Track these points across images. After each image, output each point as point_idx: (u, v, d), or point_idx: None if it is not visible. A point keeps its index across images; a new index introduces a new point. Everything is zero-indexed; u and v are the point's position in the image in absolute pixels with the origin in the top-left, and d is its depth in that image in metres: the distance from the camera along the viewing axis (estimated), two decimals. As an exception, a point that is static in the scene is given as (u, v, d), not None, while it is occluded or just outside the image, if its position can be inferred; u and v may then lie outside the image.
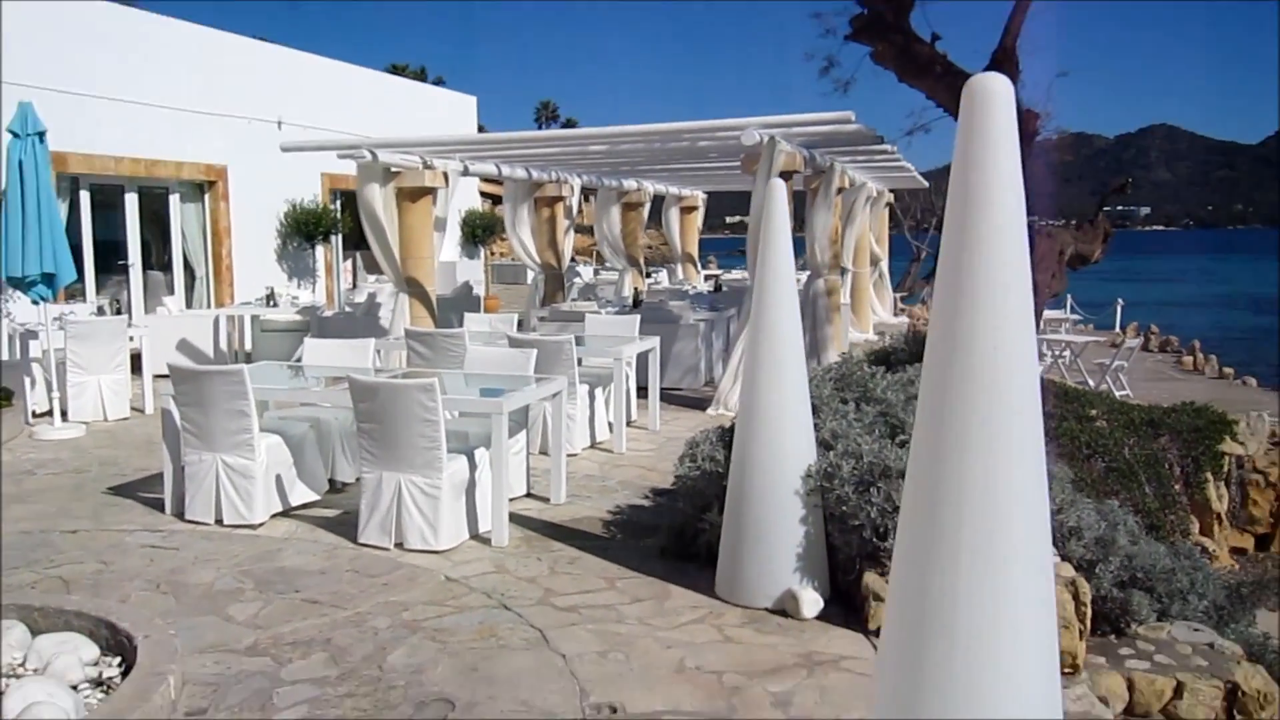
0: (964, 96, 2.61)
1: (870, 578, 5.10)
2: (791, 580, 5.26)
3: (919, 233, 31.91)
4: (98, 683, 4.36)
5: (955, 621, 2.81)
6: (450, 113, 21.91)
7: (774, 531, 5.28)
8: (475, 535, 6.42)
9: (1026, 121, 10.99)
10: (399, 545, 6.19)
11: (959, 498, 2.79)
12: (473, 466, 6.39)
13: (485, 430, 6.53)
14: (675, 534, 6.12)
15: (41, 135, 9.33)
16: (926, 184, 22.23)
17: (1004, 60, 11.22)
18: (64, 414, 10.03)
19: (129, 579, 5.69)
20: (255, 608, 5.27)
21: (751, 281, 10.81)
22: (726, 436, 6.58)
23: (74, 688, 4.21)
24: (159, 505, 7.05)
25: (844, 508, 5.14)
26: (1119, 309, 25.17)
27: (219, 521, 6.65)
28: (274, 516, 6.78)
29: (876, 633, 4.97)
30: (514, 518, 6.74)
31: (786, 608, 5.23)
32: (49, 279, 9.47)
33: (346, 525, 6.54)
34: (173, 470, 6.90)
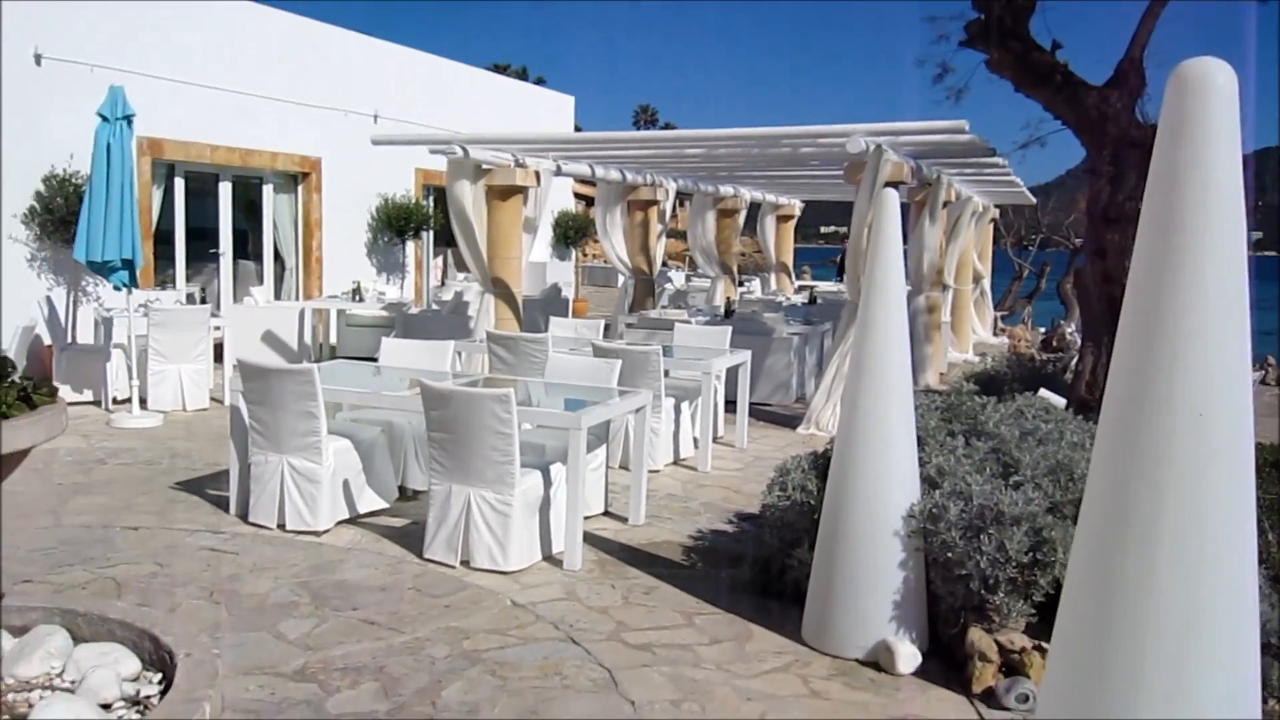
0: (1171, 87, 2.11)
1: (976, 634, 4.59)
2: (887, 630, 4.77)
3: (1021, 250, 30.85)
4: (134, 701, 4.07)
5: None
6: (548, 112, 21.68)
7: (870, 575, 4.80)
8: (547, 556, 6.04)
9: (1150, 137, 10.25)
10: (465, 563, 5.83)
11: (1150, 572, 2.28)
12: (547, 483, 6.01)
13: (563, 444, 6.15)
14: (760, 568, 5.67)
15: (129, 120, 9.22)
16: (1034, 200, 21.39)
17: (1129, 71, 10.49)
18: (143, 402, 9.94)
19: (183, 584, 5.42)
20: (309, 625, 4.95)
21: (853, 297, 10.33)
22: (820, 464, 6.11)
23: (107, 706, 3.92)
24: (224, 504, 6.81)
25: (949, 554, 4.63)
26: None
27: (282, 526, 6.38)
28: (339, 524, 6.49)
29: (981, 696, 4.47)
30: (589, 538, 6.35)
31: (880, 660, 4.75)
32: (128, 265, 9.35)
33: (413, 537, 6.21)
34: (239, 470, 6.65)
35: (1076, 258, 26.95)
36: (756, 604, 5.47)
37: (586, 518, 6.68)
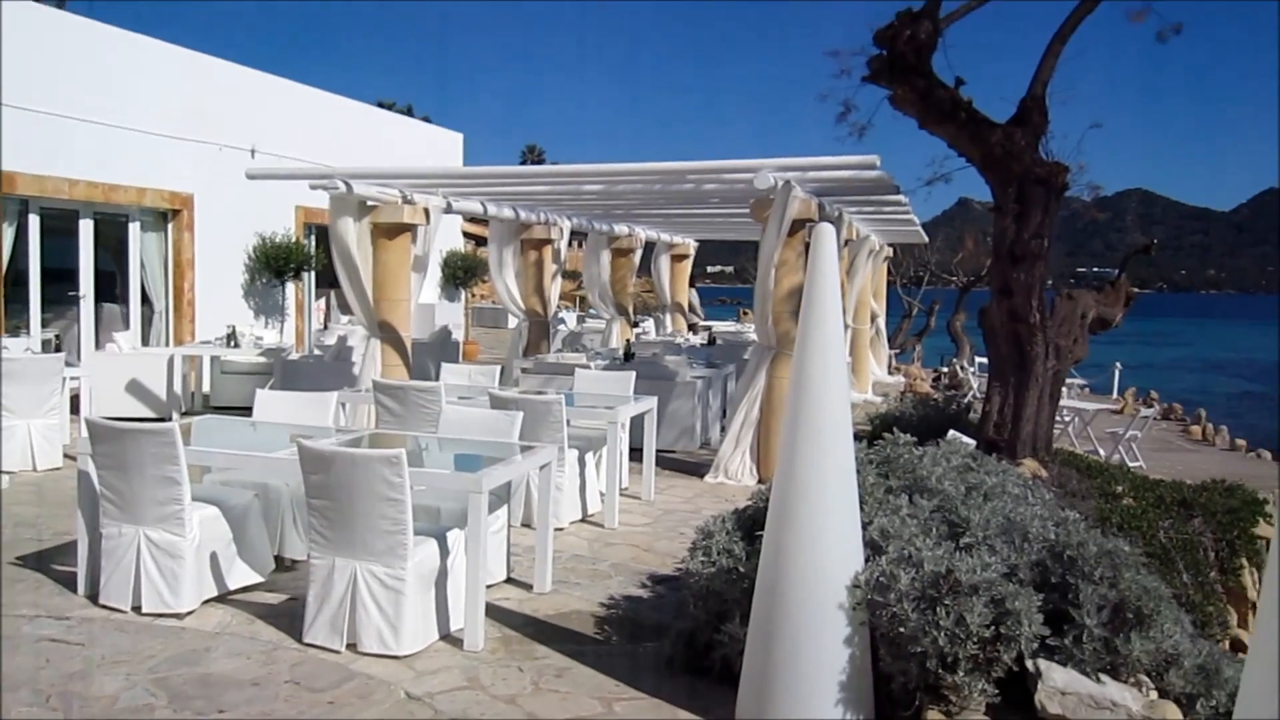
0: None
1: (934, 717, 4.11)
2: (832, 714, 4.25)
3: (910, 288, 31.13)
4: None
5: None
6: (436, 149, 21.00)
7: (811, 652, 4.28)
8: (445, 635, 5.39)
9: (1054, 175, 10.15)
10: (352, 647, 5.15)
11: None
12: (444, 552, 5.37)
13: (460, 506, 5.52)
14: (685, 642, 5.11)
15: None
16: (927, 239, 21.49)
17: (1033, 109, 10.39)
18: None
19: (14, 688, 4.62)
20: (165, 734, 4.22)
21: (761, 340, 9.92)
22: (745, 523, 5.60)
23: None
24: (73, 582, 5.98)
25: (900, 628, 4.15)
26: (1117, 373, 24.42)
27: (138, 609, 5.59)
28: (206, 603, 5.72)
29: (941, 790, 3.98)
30: (491, 611, 5.72)
31: (826, 750, 4.23)
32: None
33: (292, 617, 5.49)
34: (88, 543, 5.85)
35: (965, 296, 27.31)
36: (683, 685, 4.91)
37: (488, 586, 6.06)
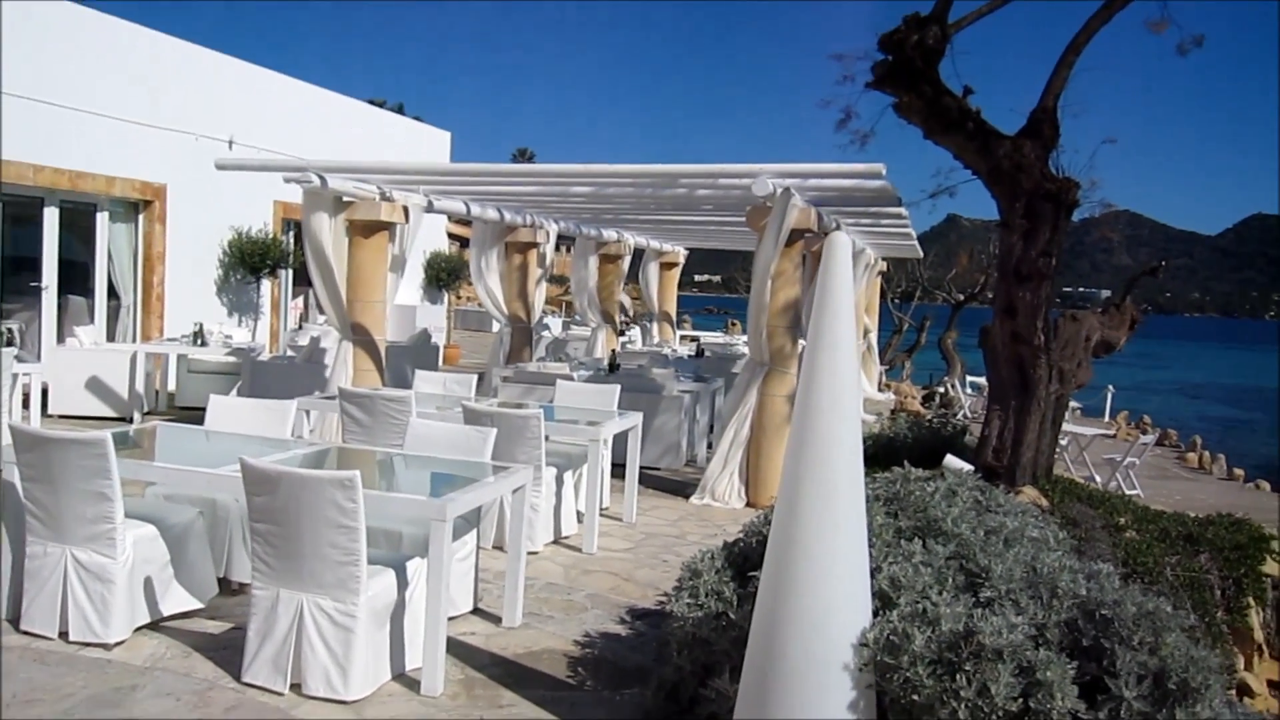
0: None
1: (950, 799, 3.60)
2: (833, 789, 3.75)
3: (901, 303, 30.69)
4: None
5: None
6: (422, 147, 20.46)
7: (812, 718, 3.78)
8: (399, 674, 4.87)
9: (1065, 190, 9.70)
10: (296, 688, 4.62)
11: None
12: (402, 584, 4.84)
13: (423, 531, 4.99)
14: (667, 694, 4.60)
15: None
16: (921, 254, 21.03)
17: (1043, 121, 9.94)
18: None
19: (-96, 732, 4.08)
20: (70, 794, 3.69)
21: (754, 355, 9.40)
22: (736, 560, 5.09)
23: None
24: (-5, 603, 5.43)
25: (914, 696, 3.65)
26: (1109, 396, 24.01)
27: (64, 635, 5.05)
28: (140, 630, 5.19)
29: None
30: (454, 647, 5.20)
31: (825, 831, 3.72)
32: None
33: (233, 649, 4.95)
34: (11, 562, 5.30)
35: (958, 312, 26.88)
36: (662, 743, 4.40)
37: (452, 618, 5.54)
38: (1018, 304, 9.52)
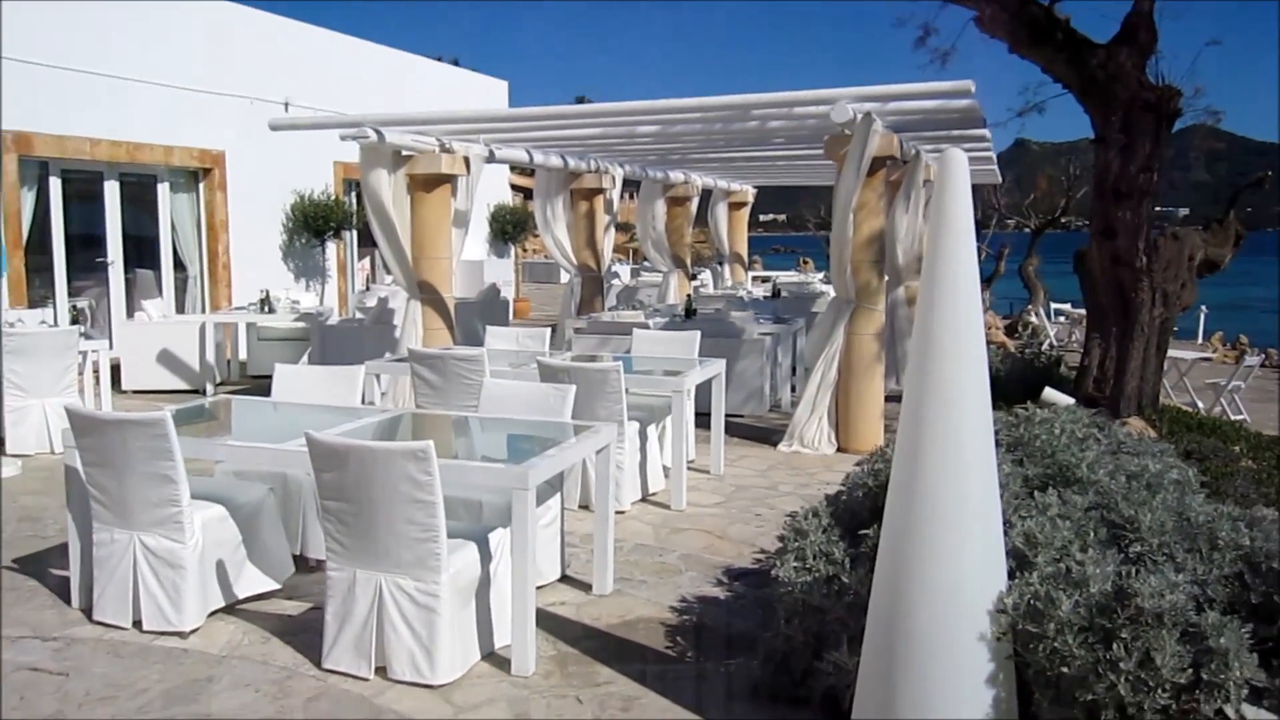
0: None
1: (1108, 782, 3.20)
2: (971, 771, 3.36)
3: (978, 231, 29.67)
4: None
5: None
6: (480, 98, 20.06)
7: (946, 694, 3.37)
8: (488, 654, 4.56)
9: (1165, 99, 9.01)
10: (381, 671, 4.34)
11: None
12: (486, 558, 4.53)
13: (505, 500, 4.67)
14: (777, 665, 4.23)
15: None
16: (1000, 179, 20.19)
17: (1139, 26, 9.22)
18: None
19: (-26, 738, 3.87)
20: (145, 802, 3.44)
21: (839, 291, 8.90)
22: (843, 517, 4.70)
23: None
24: (69, 592, 5.23)
25: (1063, 669, 3.23)
26: (1202, 316, 23.02)
27: (138, 624, 4.83)
28: (215, 614, 4.95)
29: None
30: (544, 620, 4.89)
31: (966, 818, 3.34)
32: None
33: (312, 631, 4.68)
34: (80, 549, 5.09)
35: (1038, 239, 25.94)
36: (776, 717, 4.04)
37: (539, 588, 5.23)
38: (1116, 224, 8.92)
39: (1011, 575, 3.50)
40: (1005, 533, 3.60)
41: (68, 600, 5.18)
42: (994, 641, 3.36)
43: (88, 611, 5.02)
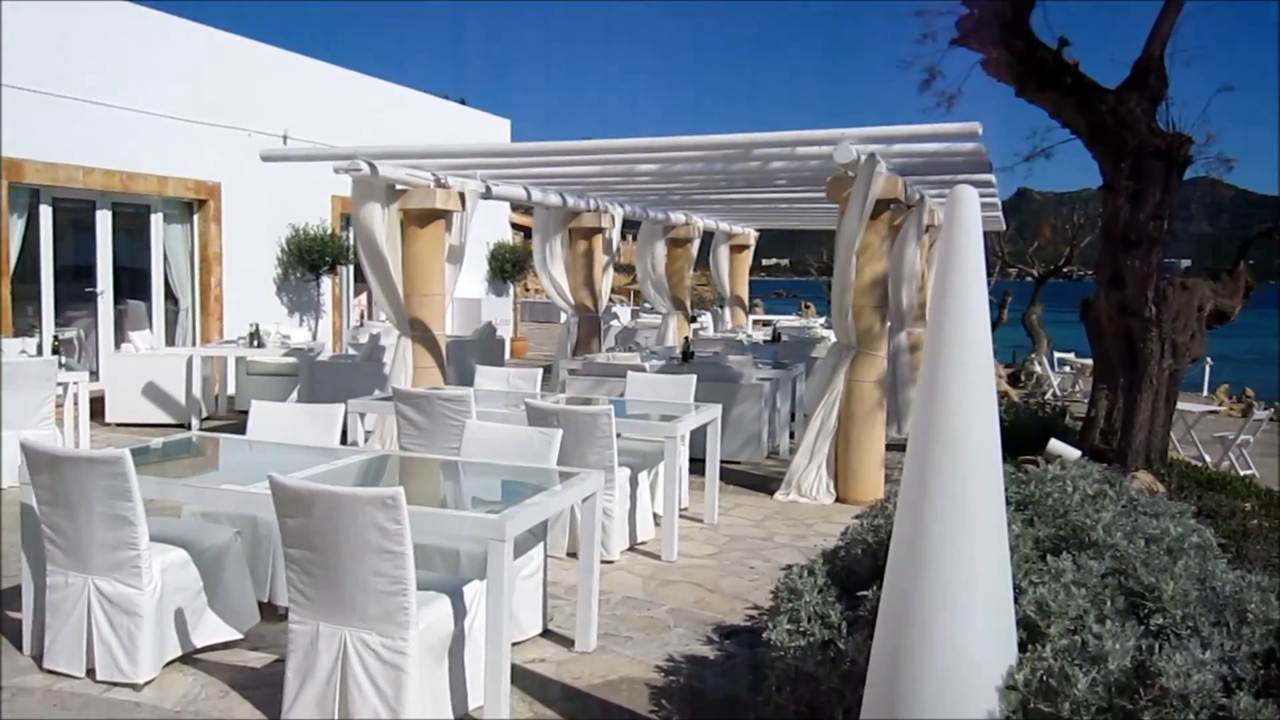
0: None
1: None
2: None
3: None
4: None
5: None
6: (481, 137, 19.95)
7: (949, 778, 3.10)
8: (463, 717, 4.27)
9: (1176, 146, 8.82)
10: (343, 732, 4.05)
11: None
12: (460, 613, 4.25)
13: (481, 548, 4.39)
14: (766, 737, 3.95)
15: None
16: (1004, 225, 20.04)
17: (1149, 71, 9.06)
18: (-28, 478, 8.05)
19: (-105, 800, 3.58)
20: None
21: (840, 338, 8.65)
22: (840, 576, 4.43)
23: None
24: (20, 637, 4.94)
25: (1079, 752, 2.95)
26: (1207, 368, 22.76)
27: (91, 673, 4.55)
28: (172, 664, 4.67)
29: None
30: (520, 678, 4.61)
31: None
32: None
33: (274, 686, 4.38)
34: (34, 592, 4.81)
35: (1041, 287, 25.77)
36: (764, 797, 3.75)
37: (518, 644, 4.96)
38: (1125, 272, 8.71)
39: (1022, 647, 3.23)
40: (1015, 600, 3.33)
41: (19, 646, 4.89)
42: (1002, 720, 3.08)
43: (39, 659, 4.73)
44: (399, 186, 9.38)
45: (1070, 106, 9.40)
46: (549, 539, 5.77)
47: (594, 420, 6.36)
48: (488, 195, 10.31)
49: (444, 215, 9.66)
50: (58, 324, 12.33)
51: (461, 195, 9.73)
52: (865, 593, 3.95)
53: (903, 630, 3.19)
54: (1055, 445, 8.41)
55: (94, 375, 11.72)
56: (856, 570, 4.40)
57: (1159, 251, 8.94)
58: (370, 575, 3.89)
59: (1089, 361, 17.30)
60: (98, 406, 11.03)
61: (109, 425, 11.02)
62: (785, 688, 3.85)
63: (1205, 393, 22.20)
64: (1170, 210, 8.95)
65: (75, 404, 9.13)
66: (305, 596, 4.04)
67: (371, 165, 8.90)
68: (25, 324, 11.95)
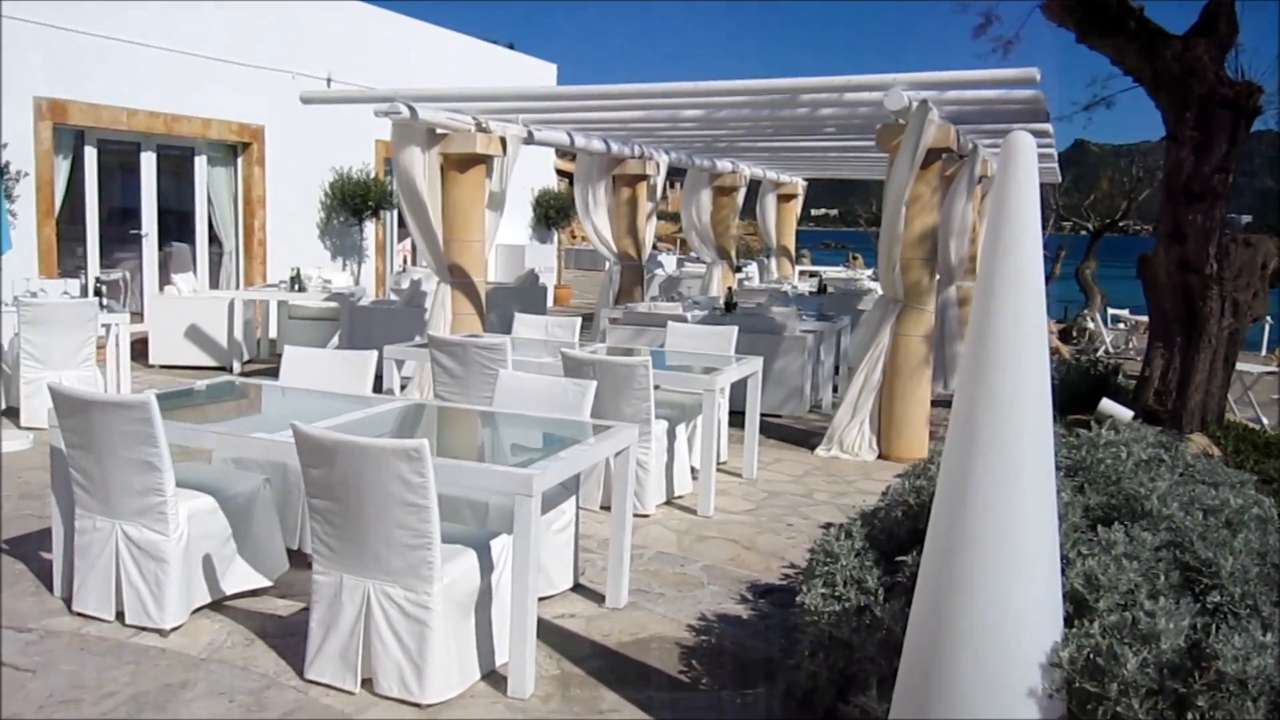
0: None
1: None
2: (1015, 845, 2.94)
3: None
4: None
5: None
6: (527, 81, 19.71)
7: (987, 754, 2.97)
8: (488, 673, 4.20)
9: (1245, 95, 8.45)
10: (367, 683, 3.99)
11: None
12: (487, 568, 4.16)
13: (510, 501, 4.28)
14: (799, 701, 3.83)
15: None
16: (1060, 178, 19.52)
17: (1218, 16, 8.66)
18: (16, 416, 8.12)
19: (-82, 743, 3.57)
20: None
21: (887, 290, 8.45)
22: (878, 539, 4.28)
23: None
24: (51, 578, 4.93)
25: (1126, 732, 2.80)
26: (1267, 327, 22.17)
27: (120, 616, 4.53)
28: (201, 610, 4.63)
29: None
30: (550, 633, 4.54)
31: None
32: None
33: (300, 636, 4.31)
34: (64, 535, 4.79)
35: (1096, 241, 25.18)
36: (794, 764, 3.65)
37: (547, 598, 4.88)
38: (1186, 227, 8.39)
39: (1068, 622, 3.07)
40: (1063, 571, 3.17)
41: (50, 587, 4.89)
42: (1046, 699, 2.93)
43: (68, 601, 4.72)
44: (439, 131, 9.22)
45: (1133, 53, 9.01)
46: (582, 492, 5.67)
47: (630, 372, 6.22)
48: (529, 140, 10.13)
49: (484, 160, 9.51)
50: (103, 266, 12.38)
51: (503, 140, 9.56)
52: (904, 558, 3.81)
53: (942, 600, 3.05)
54: (1107, 405, 8.17)
55: (139, 317, 11.75)
56: (896, 534, 4.25)
57: (1223, 206, 8.62)
58: (394, 528, 3.80)
59: (1143, 319, 16.89)
60: (141, 349, 11.08)
61: (152, 367, 11.07)
62: (818, 654, 3.72)
63: (1264, 352, 21.62)
64: (1236, 163, 8.61)
65: (117, 346, 9.14)
66: (329, 548, 3.97)
67: (411, 108, 8.74)
68: (72, 265, 12.01)
